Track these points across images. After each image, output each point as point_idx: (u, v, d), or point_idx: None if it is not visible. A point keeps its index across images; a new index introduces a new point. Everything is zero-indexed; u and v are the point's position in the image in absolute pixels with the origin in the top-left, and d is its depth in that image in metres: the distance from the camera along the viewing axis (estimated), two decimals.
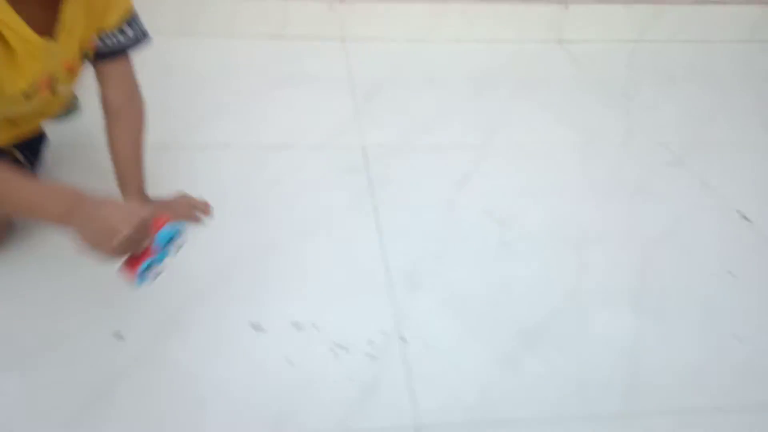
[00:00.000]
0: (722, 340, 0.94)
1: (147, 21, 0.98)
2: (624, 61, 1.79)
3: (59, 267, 0.95)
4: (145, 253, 0.73)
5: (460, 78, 1.66)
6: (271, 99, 1.49)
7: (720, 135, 1.49)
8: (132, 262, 0.73)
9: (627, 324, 0.96)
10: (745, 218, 1.21)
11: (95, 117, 1.04)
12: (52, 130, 1.13)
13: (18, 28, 0.79)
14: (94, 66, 0.99)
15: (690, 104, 1.61)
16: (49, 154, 1.15)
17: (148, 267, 0.74)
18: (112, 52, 0.97)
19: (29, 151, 1.08)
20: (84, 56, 0.96)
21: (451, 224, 1.12)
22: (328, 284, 0.96)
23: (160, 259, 0.74)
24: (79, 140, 1.22)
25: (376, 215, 1.12)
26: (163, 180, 1.11)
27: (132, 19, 0.97)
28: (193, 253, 1.00)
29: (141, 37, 0.99)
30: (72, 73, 0.96)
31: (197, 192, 1.10)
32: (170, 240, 0.74)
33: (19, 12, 0.78)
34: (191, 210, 1.08)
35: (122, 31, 0.96)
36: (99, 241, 0.71)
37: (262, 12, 1.79)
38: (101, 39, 0.95)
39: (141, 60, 1.01)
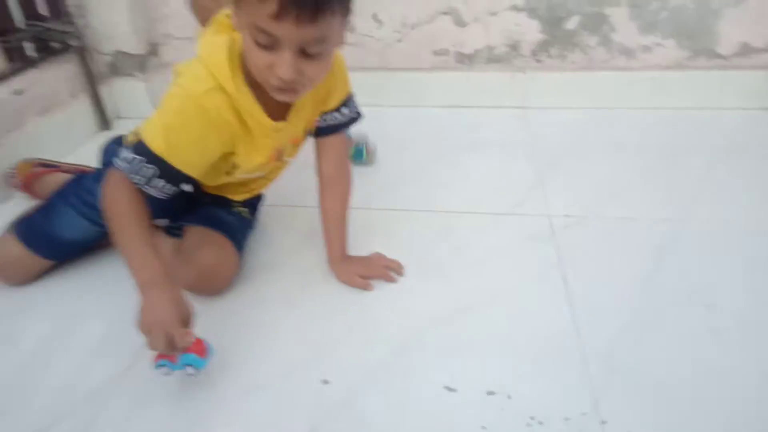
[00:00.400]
0: None
1: None
2: None
3: (276, 311, 1.07)
4: (169, 356, 0.83)
5: (650, 146, 1.59)
6: (454, 165, 1.56)
7: None
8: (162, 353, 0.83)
9: None
10: None
11: (307, 181, 1.17)
12: (270, 191, 1.28)
13: (259, 116, 0.94)
14: (314, 138, 1.13)
15: None
16: (264, 211, 1.31)
17: (165, 365, 0.84)
18: (330, 128, 1.10)
19: (251, 208, 1.25)
20: (307, 132, 1.10)
21: (649, 302, 1.05)
22: (519, 354, 0.96)
23: (173, 369, 0.84)
24: (292, 201, 1.37)
25: (566, 287, 1.10)
26: (358, 240, 1.20)
27: (349, 101, 1.09)
28: (391, 310, 1.07)
29: (355, 116, 1.11)
30: (296, 145, 1.11)
31: (389, 252, 1.18)
32: (188, 364, 0.83)
33: (260, 102, 0.93)
34: (385, 269, 1.16)
35: (340, 111, 1.08)
36: (142, 328, 0.81)
37: (445, 83, 1.89)
38: (322, 118, 1.08)
39: None
